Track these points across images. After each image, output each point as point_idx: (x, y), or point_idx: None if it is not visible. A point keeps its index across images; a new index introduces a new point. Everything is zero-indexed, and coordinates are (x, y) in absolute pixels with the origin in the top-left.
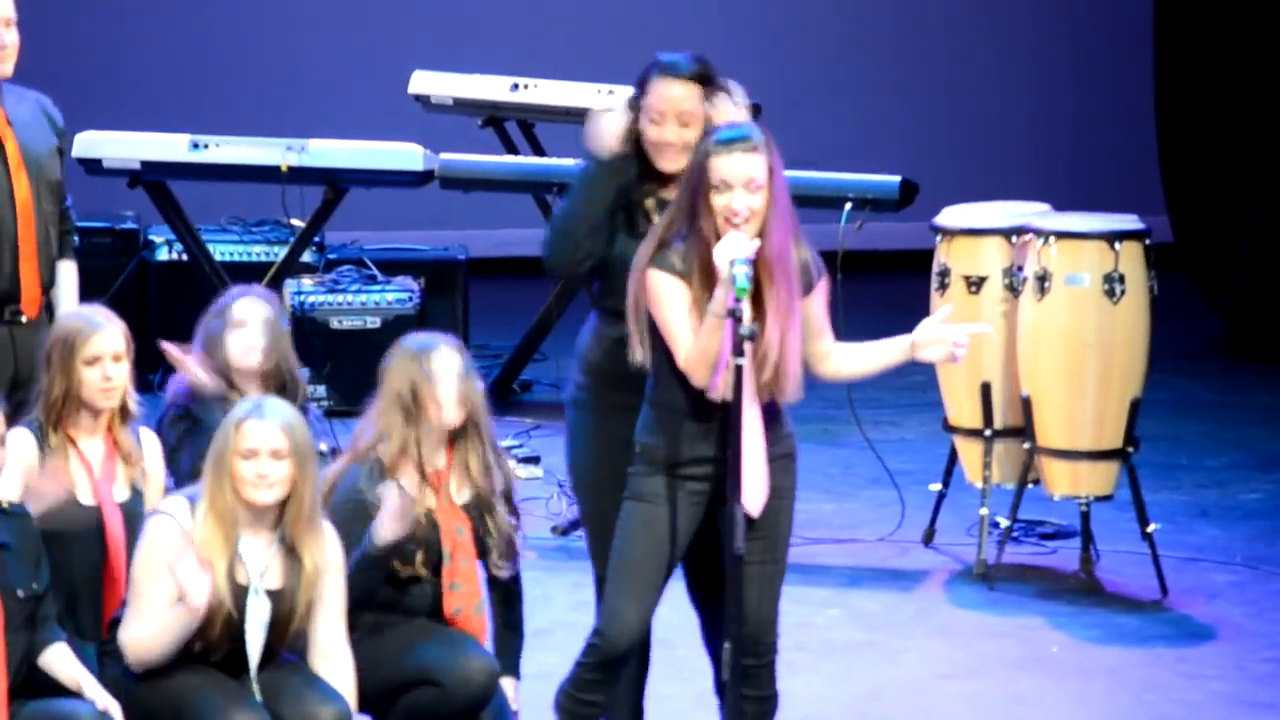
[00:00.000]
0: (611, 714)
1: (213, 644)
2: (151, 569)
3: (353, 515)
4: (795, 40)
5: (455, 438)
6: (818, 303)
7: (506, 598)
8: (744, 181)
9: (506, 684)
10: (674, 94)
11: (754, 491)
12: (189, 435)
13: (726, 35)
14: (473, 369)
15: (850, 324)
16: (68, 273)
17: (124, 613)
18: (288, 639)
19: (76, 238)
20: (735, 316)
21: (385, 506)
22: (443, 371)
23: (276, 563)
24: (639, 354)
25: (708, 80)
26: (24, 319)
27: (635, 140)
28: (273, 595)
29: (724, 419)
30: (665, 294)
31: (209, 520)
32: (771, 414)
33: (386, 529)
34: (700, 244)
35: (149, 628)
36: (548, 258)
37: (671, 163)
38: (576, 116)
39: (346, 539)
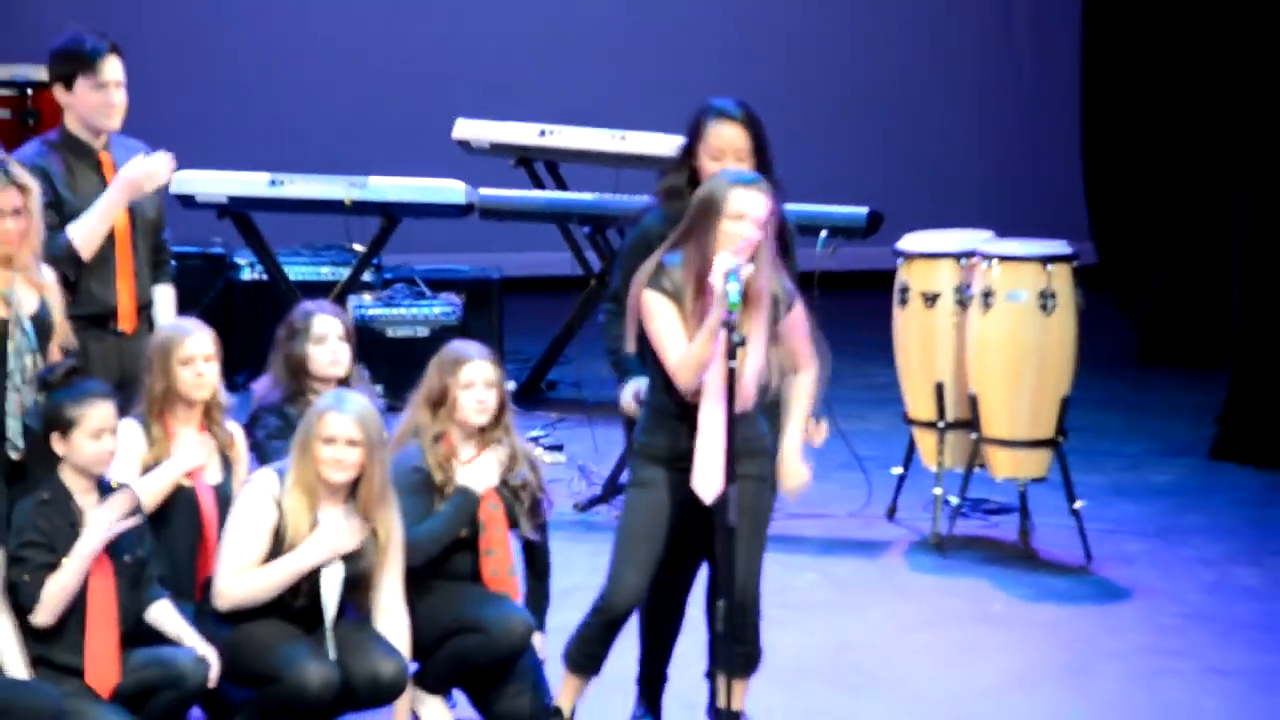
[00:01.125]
0: (645, 664)
1: (295, 594)
2: (246, 527)
3: (411, 486)
4: (784, 93)
5: (483, 430)
6: (795, 327)
7: (537, 566)
8: (757, 217)
9: (535, 638)
10: (730, 134)
11: (709, 476)
12: (281, 433)
13: (718, 90)
14: (501, 378)
15: (825, 335)
16: (165, 294)
17: (218, 564)
18: (358, 597)
19: (174, 263)
20: (729, 326)
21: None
22: (473, 380)
23: None
24: (631, 345)
25: (754, 120)
26: (124, 331)
27: (690, 175)
28: (348, 559)
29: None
30: (657, 311)
31: (295, 491)
32: (749, 417)
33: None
34: (698, 262)
35: (260, 577)
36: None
37: None
38: (594, 158)
39: (407, 504)
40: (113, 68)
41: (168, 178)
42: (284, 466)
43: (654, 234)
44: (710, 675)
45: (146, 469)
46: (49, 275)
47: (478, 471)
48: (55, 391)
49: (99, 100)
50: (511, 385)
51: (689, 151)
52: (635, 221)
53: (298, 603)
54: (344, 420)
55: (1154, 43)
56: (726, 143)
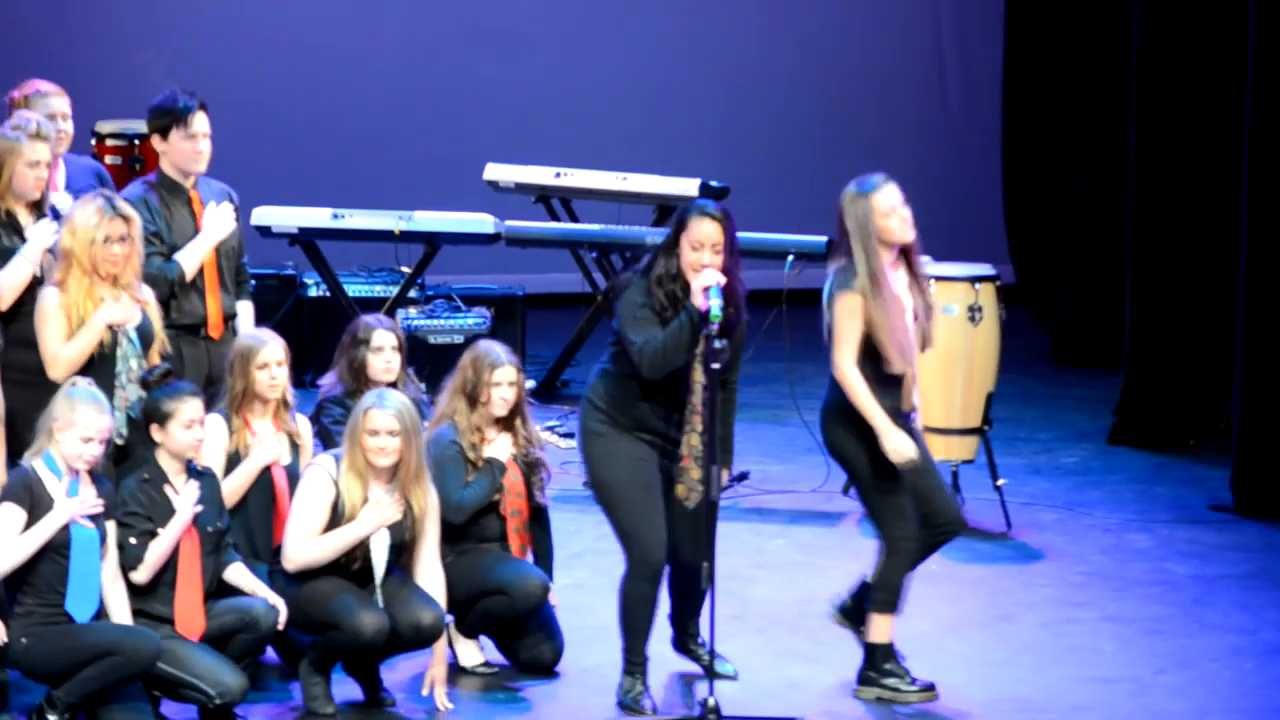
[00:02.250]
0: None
1: (351, 558)
2: (309, 502)
3: (451, 458)
4: (759, 140)
5: (500, 419)
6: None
7: (541, 526)
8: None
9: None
10: (709, 229)
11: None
12: (343, 421)
13: (704, 144)
14: (522, 378)
15: (793, 342)
16: (245, 308)
17: (286, 533)
18: (401, 559)
19: (253, 283)
20: (710, 336)
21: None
22: (501, 380)
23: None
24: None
25: (727, 217)
26: (213, 338)
27: (675, 261)
28: (392, 528)
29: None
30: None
31: (349, 474)
32: None
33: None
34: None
35: (322, 544)
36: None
37: None
38: (600, 195)
39: (445, 474)
40: (200, 121)
41: (235, 223)
42: (340, 452)
43: (637, 304)
44: (672, 618)
45: (228, 455)
46: (148, 292)
47: (496, 448)
48: (154, 390)
49: (189, 149)
50: (531, 384)
51: (675, 240)
52: (629, 278)
53: (353, 565)
54: (385, 415)
55: (1061, 99)
56: (706, 237)
